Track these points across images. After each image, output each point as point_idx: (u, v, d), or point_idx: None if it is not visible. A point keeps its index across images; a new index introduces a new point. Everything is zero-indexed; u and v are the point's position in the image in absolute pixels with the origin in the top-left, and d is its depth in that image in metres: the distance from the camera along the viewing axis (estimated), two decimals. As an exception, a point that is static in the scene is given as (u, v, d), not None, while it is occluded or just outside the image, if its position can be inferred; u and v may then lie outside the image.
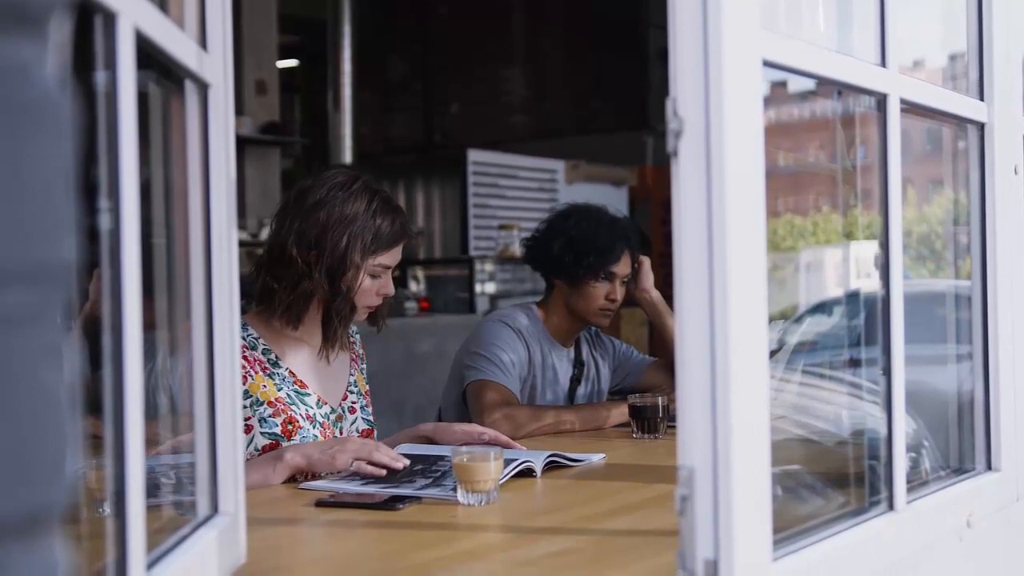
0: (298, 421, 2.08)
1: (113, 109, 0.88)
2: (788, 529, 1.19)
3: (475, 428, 2.18)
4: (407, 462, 1.92)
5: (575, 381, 2.83)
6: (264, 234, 6.38)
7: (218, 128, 1.22)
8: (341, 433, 2.17)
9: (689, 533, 1.04)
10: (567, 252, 2.70)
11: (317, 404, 2.14)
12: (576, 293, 2.73)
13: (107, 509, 0.96)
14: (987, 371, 1.67)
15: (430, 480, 1.84)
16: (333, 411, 2.17)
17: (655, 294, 2.85)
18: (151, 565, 0.96)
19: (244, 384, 2.03)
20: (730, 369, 1.02)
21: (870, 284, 1.46)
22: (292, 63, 10.02)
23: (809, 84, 1.42)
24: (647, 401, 2.45)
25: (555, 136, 8.99)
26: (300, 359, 2.15)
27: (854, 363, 1.74)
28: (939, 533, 1.51)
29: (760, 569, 1.07)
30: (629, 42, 8.74)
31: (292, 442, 2.04)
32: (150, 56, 1.00)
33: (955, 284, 1.78)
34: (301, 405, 2.10)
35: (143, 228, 0.91)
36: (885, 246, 1.39)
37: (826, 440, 1.72)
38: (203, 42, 1.20)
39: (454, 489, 1.72)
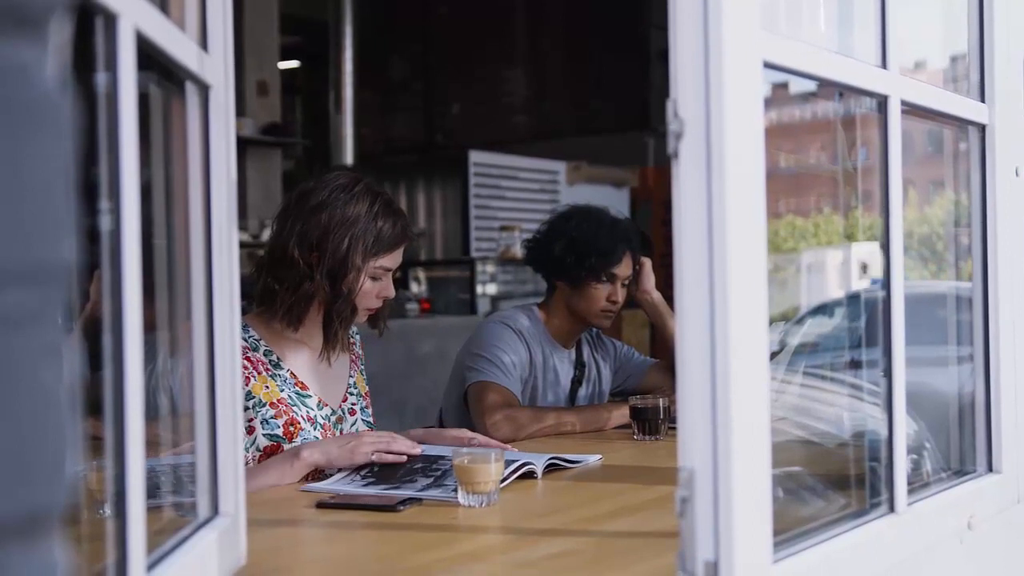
0: (299, 423, 2.08)
1: (114, 110, 0.88)
2: (788, 531, 1.19)
3: (465, 434, 2.20)
4: (423, 449, 1.95)
5: (576, 382, 2.83)
6: (265, 235, 6.38)
7: (219, 129, 1.22)
8: (341, 435, 2.17)
9: (689, 535, 1.04)
10: (568, 253, 2.70)
11: (318, 406, 2.14)
12: (577, 294, 2.73)
13: (107, 510, 0.96)
14: (988, 372, 1.67)
15: (431, 480, 1.84)
16: (334, 412, 2.17)
17: (656, 295, 2.85)
18: (151, 566, 0.96)
19: (247, 385, 2.04)
20: (730, 370, 1.02)
21: (871, 285, 1.46)
22: (293, 64, 10.03)
23: (810, 85, 1.42)
24: (648, 403, 2.45)
25: (556, 137, 9.00)
26: (301, 361, 2.15)
27: (855, 365, 1.74)
28: (940, 535, 1.50)
29: (760, 571, 1.07)
30: (630, 42, 8.74)
31: (293, 443, 2.04)
32: (151, 57, 1.00)
33: (956, 286, 1.77)
34: (302, 407, 2.10)
35: (144, 229, 0.91)
36: (886, 247, 1.39)
37: (827, 442, 1.72)
38: (204, 43, 1.20)
39: (455, 489, 1.72)
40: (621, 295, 2.73)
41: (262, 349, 2.11)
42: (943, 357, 1.77)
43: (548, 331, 2.78)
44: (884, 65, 1.38)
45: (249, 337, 2.10)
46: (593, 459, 2.14)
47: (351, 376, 2.26)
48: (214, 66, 1.22)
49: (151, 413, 0.98)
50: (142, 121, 0.93)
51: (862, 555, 1.31)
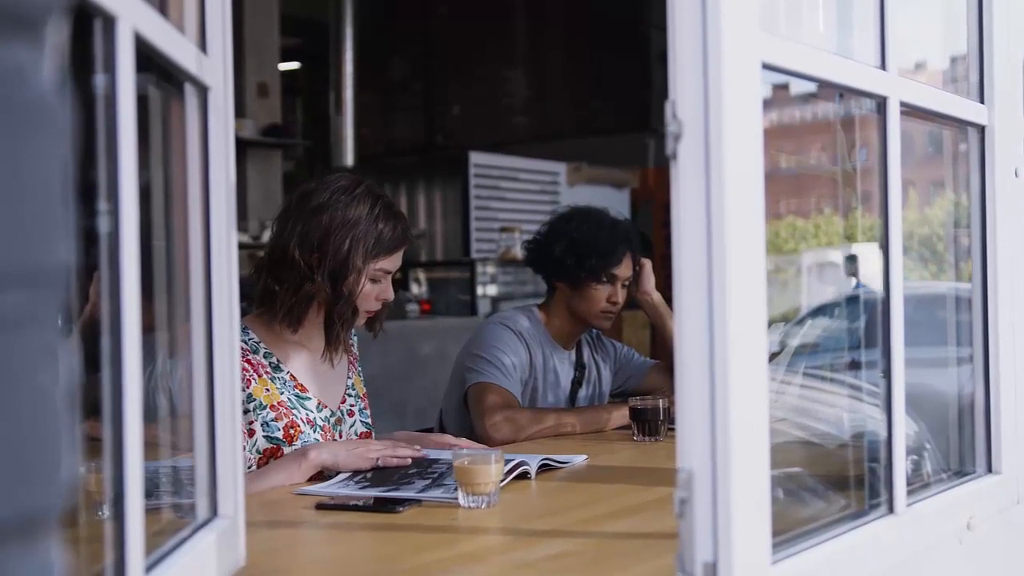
0: (299, 425, 2.08)
1: (112, 112, 0.88)
2: (788, 532, 1.19)
3: (446, 439, 2.24)
4: (426, 453, 2.00)
5: (576, 384, 2.83)
6: (265, 236, 6.38)
7: (218, 131, 1.22)
8: (341, 436, 2.18)
9: (688, 536, 1.04)
10: (568, 255, 2.70)
11: (317, 408, 2.14)
12: (577, 295, 2.73)
13: (106, 512, 0.96)
14: (987, 373, 1.66)
15: (428, 481, 1.85)
16: (333, 414, 2.18)
17: (656, 296, 2.85)
18: (150, 568, 0.96)
19: (247, 388, 2.04)
20: (729, 372, 1.02)
21: (871, 286, 1.46)
22: (294, 65, 10.03)
23: (811, 86, 1.42)
24: (648, 404, 2.45)
25: (556, 138, 9.00)
26: (300, 363, 2.16)
27: (855, 365, 1.74)
28: (939, 536, 1.50)
29: (759, 571, 1.07)
30: (631, 43, 8.74)
31: (293, 446, 2.05)
32: (150, 59, 1.00)
33: (956, 287, 1.77)
34: (302, 409, 2.11)
35: (143, 231, 0.91)
36: (885, 248, 1.39)
37: (827, 443, 1.72)
38: (203, 45, 1.20)
39: (456, 490, 1.72)
40: (621, 296, 2.74)
41: (262, 351, 2.11)
42: (943, 358, 1.77)
43: (548, 332, 2.78)
44: (883, 66, 1.38)
45: (249, 339, 2.10)
46: (579, 459, 2.15)
47: (349, 377, 2.26)
48: (213, 68, 1.22)
49: (150, 415, 0.98)
50: (141, 123, 0.93)
51: (861, 556, 1.31)
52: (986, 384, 1.67)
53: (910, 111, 1.44)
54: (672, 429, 2.39)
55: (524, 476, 1.95)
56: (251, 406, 2.04)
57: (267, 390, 2.07)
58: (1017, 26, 1.70)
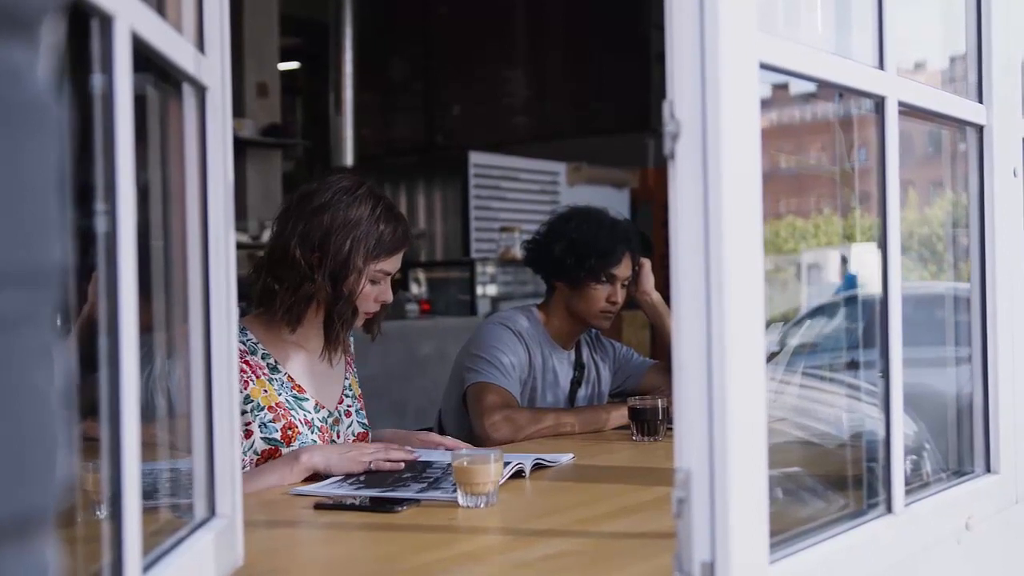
0: (297, 426, 2.08)
1: (110, 112, 0.88)
2: (786, 531, 1.19)
3: (432, 437, 2.24)
4: (420, 455, 2.01)
5: (575, 383, 2.83)
6: (265, 236, 6.38)
7: (216, 131, 1.22)
8: (338, 436, 2.18)
9: (686, 536, 1.04)
10: (568, 254, 2.71)
11: (315, 408, 2.14)
12: (577, 295, 2.73)
13: (103, 511, 0.96)
14: (986, 373, 1.66)
15: (424, 485, 1.84)
16: (330, 415, 2.18)
17: (656, 296, 2.85)
18: (147, 567, 0.96)
19: (245, 389, 2.04)
20: (727, 371, 1.02)
21: (870, 286, 1.46)
22: (293, 65, 10.03)
23: (810, 86, 1.42)
24: (646, 403, 2.45)
25: (556, 138, 9.00)
26: (298, 363, 2.16)
27: (854, 365, 1.74)
28: (937, 536, 1.50)
29: (757, 571, 1.07)
30: (630, 43, 8.74)
31: (291, 447, 2.04)
32: (147, 59, 1.00)
33: (955, 286, 1.77)
34: (300, 410, 2.11)
35: (141, 231, 0.91)
36: (883, 248, 1.39)
37: (826, 442, 1.72)
38: (201, 45, 1.20)
39: (455, 490, 1.72)
40: (621, 296, 2.74)
41: (260, 352, 2.11)
42: (942, 358, 1.77)
43: (547, 332, 2.78)
44: (881, 66, 1.38)
45: (247, 340, 2.10)
46: (565, 458, 2.15)
47: (346, 378, 2.26)
48: (211, 68, 1.22)
49: (148, 415, 0.98)
50: (138, 123, 0.93)
51: (859, 556, 1.31)
52: (985, 384, 1.67)
53: (909, 111, 1.44)
54: (671, 429, 2.39)
55: (519, 475, 1.95)
56: (248, 407, 2.04)
57: (265, 391, 2.07)
58: (1016, 26, 1.70)
